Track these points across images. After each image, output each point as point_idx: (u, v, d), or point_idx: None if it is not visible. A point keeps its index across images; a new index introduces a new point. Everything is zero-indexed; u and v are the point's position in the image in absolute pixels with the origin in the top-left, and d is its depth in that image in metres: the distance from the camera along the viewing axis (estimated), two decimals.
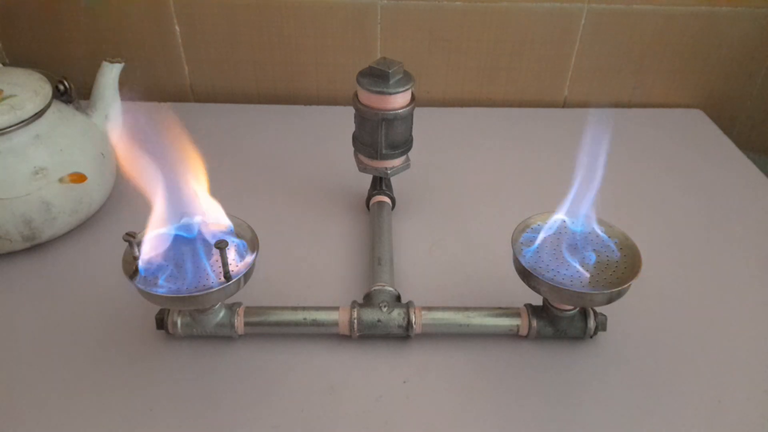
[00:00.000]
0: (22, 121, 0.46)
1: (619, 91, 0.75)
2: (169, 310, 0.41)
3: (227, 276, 0.36)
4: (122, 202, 0.56)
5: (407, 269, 0.49)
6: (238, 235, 0.40)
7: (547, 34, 0.70)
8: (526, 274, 0.38)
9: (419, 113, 0.73)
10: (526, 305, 0.42)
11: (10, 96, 0.46)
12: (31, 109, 0.46)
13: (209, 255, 0.38)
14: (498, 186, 0.60)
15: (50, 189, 0.47)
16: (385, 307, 0.41)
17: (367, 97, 0.47)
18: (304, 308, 0.42)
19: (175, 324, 0.41)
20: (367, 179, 0.55)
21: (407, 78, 0.47)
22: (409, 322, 0.41)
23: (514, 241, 0.40)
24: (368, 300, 0.42)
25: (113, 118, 0.56)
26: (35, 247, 0.50)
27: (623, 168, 0.64)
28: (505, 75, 0.74)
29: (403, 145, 0.50)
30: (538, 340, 0.43)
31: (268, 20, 0.69)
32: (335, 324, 0.41)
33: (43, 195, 0.47)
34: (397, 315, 0.41)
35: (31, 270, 0.48)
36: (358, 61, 0.72)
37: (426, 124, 0.71)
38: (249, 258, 0.38)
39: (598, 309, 0.42)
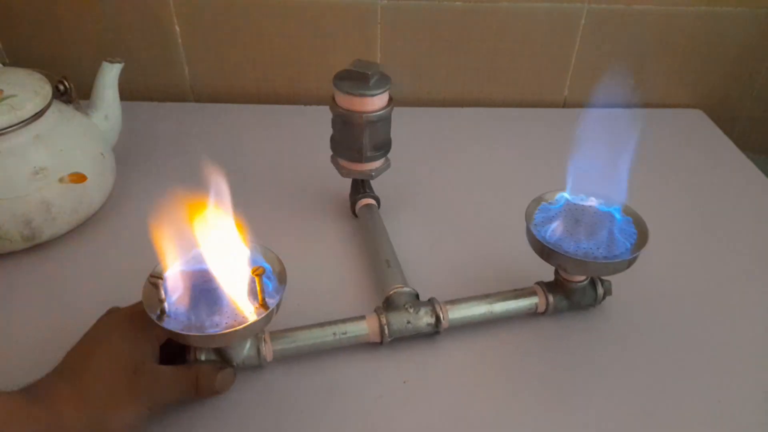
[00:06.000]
0: (22, 121, 0.46)
1: (619, 91, 0.75)
2: (192, 348, 0.38)
3: (264, 305, 0.34)
4: (122, 202, 0.56)
5: (408, 267, 0.49)
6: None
7: (547, 34, 0.70)
8: (548, 253, 0.39)
9: (419, 113, 0.73)
10: (538, 283, 0.44)
11: (10, 96, 0.46)
12: (31, 109, 0.46)
13: (237, 287, 0.35)
14: (498, 185, 0.60)
15: (50, 189, 0.47)
16: (410, 308, 0.41)
17: (350, 101, 0.46)
18: (330, 323, 0.40)
19: (198, 359, 0.38)
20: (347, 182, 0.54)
21: (385, 78, 0.47)
22: (437, 318, 0.41)
23: (528, 218, 0.41)
24: (390, 304, 0.42)
25: (113, 118, 0.56)
26: (35, 247, 0.50)
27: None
28: (505, 75, 0.74)
29: (386, 146, 0.50)
30: (553, 316, 0.43)
31: (268, 20, 0.69)
32: (365, 333, 0.41)
33: (43, 195, 0.47)
34: (424, 314, 0.41)
35: (31, 270, 0.48)
36: None
37: (426, 124, 0.71)
38: (279, 287, 0.36)
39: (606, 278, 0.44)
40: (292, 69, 0.73)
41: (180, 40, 0.71)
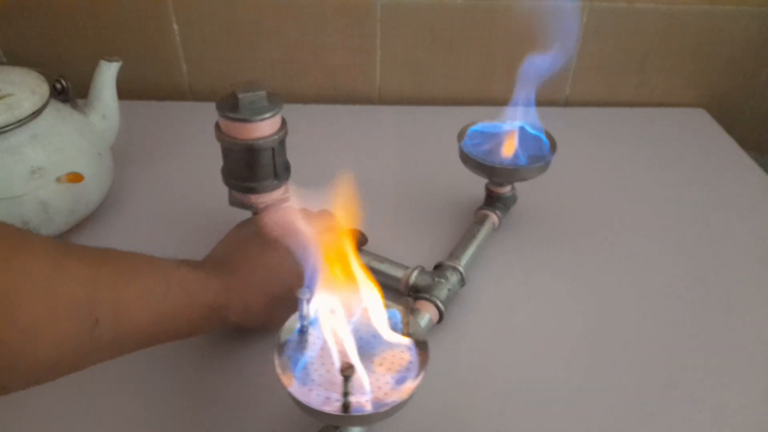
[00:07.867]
0: (19, 121, 0.46)
1: (621, 89, 0.75)
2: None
3: (423, 345, 0.31)
4: (119, 201, 0.55)
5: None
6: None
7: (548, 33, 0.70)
8: (502, 172, 0.49)
9: (420, 113, 0.73)
10: (479, 209, 0.52)
11: (7, 95, 0.46)
12: (28, 108, 0.46)
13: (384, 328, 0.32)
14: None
15: (47, 189, 0.47)
16: (440, 278, 0.44)
17: (255, 128, 0.42)
18: None
19: None
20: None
21: (272, 94, 0.43)
22: (459, 272, 0.45)
23: (460, 138, 0.51)
24: (420, 287, 0.44)
25: (110, 117, 0.55)
26: None
27: (625, 167, 0.63)
28: (505, 74, 0.73)
29: (286, 160, 0.46)
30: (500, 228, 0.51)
31: (268, 20, 0.69)
32: (430, 319, 0.42)
33: (41, 195, 0.46)
34: (450, 275, 0.45)
35: None
36: (358, 61, 0.72)
37: (426, 124, 0.70)
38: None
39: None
40: (291, 68, 0.73)
41: (178, 39, 0.70)
